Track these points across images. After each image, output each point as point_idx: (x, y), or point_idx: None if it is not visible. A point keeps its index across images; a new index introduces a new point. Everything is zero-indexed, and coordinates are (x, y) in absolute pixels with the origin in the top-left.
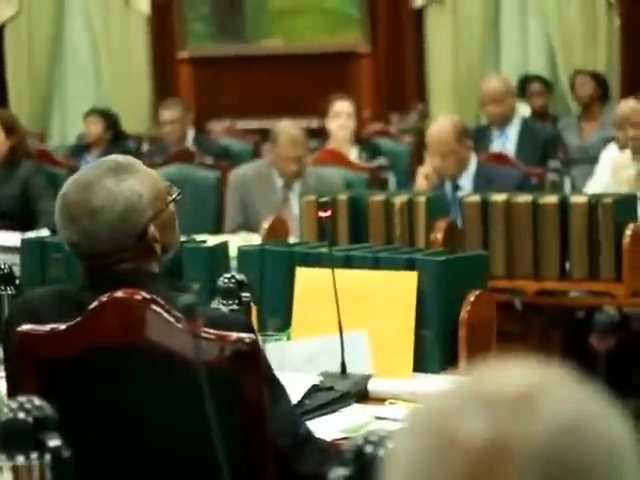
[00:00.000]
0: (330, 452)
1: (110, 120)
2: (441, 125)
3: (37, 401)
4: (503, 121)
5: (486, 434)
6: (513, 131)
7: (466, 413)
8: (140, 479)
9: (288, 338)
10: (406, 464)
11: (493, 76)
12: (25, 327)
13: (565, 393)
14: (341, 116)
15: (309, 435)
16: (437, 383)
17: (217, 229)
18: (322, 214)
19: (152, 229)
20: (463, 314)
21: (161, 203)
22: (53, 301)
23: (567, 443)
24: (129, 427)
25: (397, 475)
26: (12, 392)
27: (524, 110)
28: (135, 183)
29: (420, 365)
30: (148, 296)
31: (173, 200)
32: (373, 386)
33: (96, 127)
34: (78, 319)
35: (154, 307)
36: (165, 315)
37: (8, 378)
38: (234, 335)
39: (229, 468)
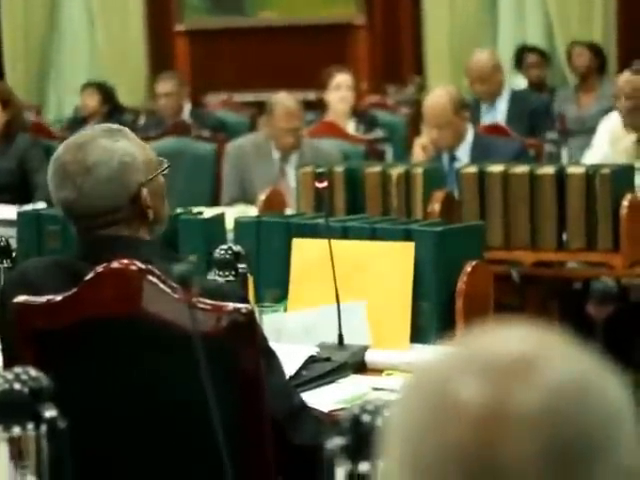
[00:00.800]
0: (325, 422)
1: (107, 93)
2: (438, 97)
3: (33, 372)
4: (490, 97)
5: (484, 399)
6: (502, 104)
7: (464, 378)
8: (136, 449)
9: (285, 309)
10: (403, 428)
11: (480, 52)
12: (21, 298)
13: (563, 358)
14: (341, 88)
15: (303, 406)
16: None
17: (214, 202)
18: (319, 185)
19: (145, 192)
20: (460, 285)
21: (153, 170)
22: (49, 271)
23: (565, 408)
24: (125, 398)
25: (394, 439)
26: (8, 364)
27: (520, 82)
28: (129, 145)
29: (417, 336)
30: (144, 266)
31: (163, 171)
32: (370, 357)
33: (93, 100)
34: (74, 290)
35: (150, 277)
36: (161, 285)
37: (3, 350)
38: (230, 305)
39: (226, 438)
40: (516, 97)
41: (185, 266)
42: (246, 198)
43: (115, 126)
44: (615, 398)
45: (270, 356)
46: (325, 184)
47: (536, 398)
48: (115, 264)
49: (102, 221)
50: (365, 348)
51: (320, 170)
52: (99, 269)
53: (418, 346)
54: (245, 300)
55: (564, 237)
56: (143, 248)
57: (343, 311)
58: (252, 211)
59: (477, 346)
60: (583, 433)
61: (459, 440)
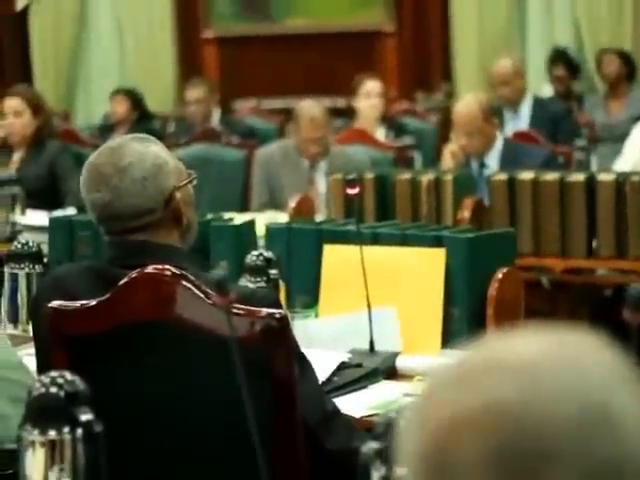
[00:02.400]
0: (357, 428)
1: (136, 100)
2: (467, 103)
3: (69, 376)
4: (512, 102)
5: (511, 399)
6: (525, 110)
7: (487, 379)
8: (170, 454)
9: (316, 315)
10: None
11: (503, 58)
12: (54, 303)
13: (567, 363)
14: (371, 96)
15: (336, 411)
16: None
17: (243, 208)
18: (350, 191)
19: (178, 196)
20: (491, 291)
21: (183, 177)
22: (83, 277)
23: (567, 412)
24: (158, 402)
25: (414, 434)
26: (42, 369)
27: (547, 90)
28: (160, 150)
29: (448, 342)
30: (178, 272)
31: (192, 180)
32: (401, 363)
33: (122, 107)
34: (108, 295)
35: (184, 283)
36: (195, 291)
37: (37, 355)
38: (264, 311)
39: (259, 441)
40: (538, 104)
41: (221, 271)
42: (275, 204)
43: (144, 135)
44: (600, 403)
45: (302, 362)
46: (356, 190)
47: (530, 401)
48: (149, 269)
49: (136, 224)
50: (396, 354)
51: (351, 176)
52: (133, 274)
53: (449, 352)
54: (279, 305)
55: (594, 244)
56: (176, 255)
57: (374, 317)
58: (282, 217)
59: (501, 349)
60: (542, 437)
61: (423, 442)
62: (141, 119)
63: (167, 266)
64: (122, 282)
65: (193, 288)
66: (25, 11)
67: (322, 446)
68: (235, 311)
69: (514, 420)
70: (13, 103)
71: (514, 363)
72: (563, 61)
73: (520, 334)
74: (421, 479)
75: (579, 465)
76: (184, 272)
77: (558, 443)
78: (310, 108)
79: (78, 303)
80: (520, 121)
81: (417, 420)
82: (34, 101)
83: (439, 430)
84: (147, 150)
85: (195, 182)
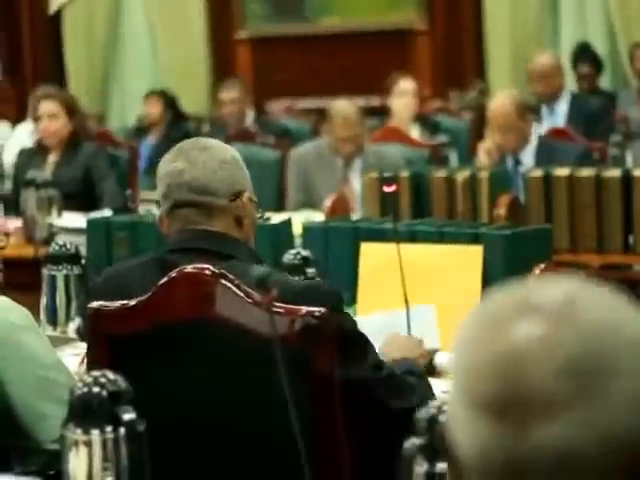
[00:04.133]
0: (414, 385)
1: (169, 101)
2: (502, 101)
3: (111, 375)
4: (549, 98)
5: (529, 331)
6: (562, 107)
7: (515, 316)
8: (211, 453)
9: (354, 313)
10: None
11: (542, 53)
12: (94, 304)
13: (599, 300)
14: (406, 94)
15: (393, 373)
16: None
17: (279, 207)
18: (387, 189)
19: (246, 197)
20: None
21: (252, 196)
22: (144, 270)
23: (597, 339)
24: (199, 401)
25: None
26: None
27: (572, 85)
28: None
29: None
30: (217, 270)
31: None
32: (440, 360)
33: (156, 108)
34: (148, 294)
35: (224, 282)
36: (235, 290)
37: (88, 354)
38: (304, 309)
39: (303, 441)
40: (576, 100)
41: (264, 269)
42: (310, 203)
43: None
44: (638, 331)
45: (361, 342)
46: (393, 188)
47: (574, 336)
48: (189, 268)
49: (199, 199)
50: (435, 351)
51: (387, 174)
52: (173, 274)
53: None
54: (341, 301)
55: (630, 240)
56: (233, 246)
57: (412, 314)
58: (318, 216)
59: (528, 291)
60: (605, 355)
61: (501, 355)
62: (175, 120)
63: (207, 265)
64: (162, 281)
65: (233, 287)
66: (59, 13)
67: (387, 407)
68: (275, 310)
69: (577, 339)
70: (48, 106)
71: (557, 300)
72: (587, 58)
73: (548, 280)
74: (490, 381)
75: (637, 379)
76: (224, 271)
77: (623, 360)
78: (343, 107)
79: (118, 303)
80: (557, 117)
81: (487, 342)
82: (69, 103)
83: (513, 351)
84: (232, 149)
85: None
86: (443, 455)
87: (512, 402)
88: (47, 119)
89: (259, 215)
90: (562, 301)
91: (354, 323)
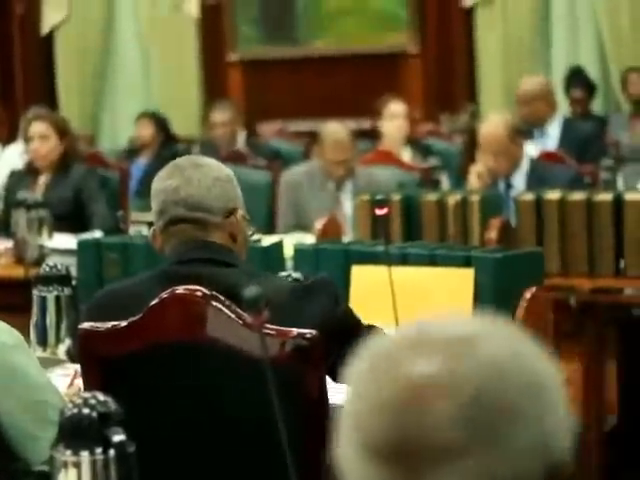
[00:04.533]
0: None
1: (161, 123)
2: (493, 124)
3: (101, 396)
4: (536, 122)
5: (425, 369)
6: (554, 130)
7: (411, 353)
8: (203, 473)
9: None
10: (351, 394)
11: (528, 78)
12: (85, 325)
13: (500, 338)
14: (396, 117)
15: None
16: None
17: (269, 230)
18: (379, 212)
19: (239, 215)
20: (519, 311)
21: (245, 215)
22: (154, 283)
23: (496, 381)
24: (190, 422)
25: (349, 392)
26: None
27: (565, 109)
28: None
29: None
30: (209, 292)
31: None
32: None
33: (147, 130)
34: (139, 316)
35: (215, 303)
36: (226, 311)
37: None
38: (295, 331)
39: (292, 462)
40: (567, 123)
41: (255, 290)
42: (301, 226)
43: None
44: (539, 371)
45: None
46: (385, 211)
47: (472, 372)
48: (180, 290)
49: (194, 215)
50: None
51: (379, 197)
52: (163, 295)
53: None
54: (337, 293)
55: (622, 264)
56: (231, 254)
57: None
58: (309, 239)
59: (424, 327)
60: (504, 397)
61: (394, 396)
62: (166, 142)
63: (198, 287)
64: (152, 303)
65: (224, 308)
66: (51, 34)
67: None
68: (266, 331)
69: (475, 379)
70: (39, 127)
71: (463, 336)
72: (580, 82)
73: (454, 316)
74: (389, 426)
75: (537, 424)
76: (214, 293)
77: (520, 405)
78: (334, 130)
79: (109, 324)
80: (549, 140)
81: (381, 380)
82: (60, 125)
83: (407, 391)
84: (225, 167)
85: (252, 232)
86: None
87: (405, 448)
88: (38, 140)
89: (251, 233)
90: (461, 338)
91: (353, 314)
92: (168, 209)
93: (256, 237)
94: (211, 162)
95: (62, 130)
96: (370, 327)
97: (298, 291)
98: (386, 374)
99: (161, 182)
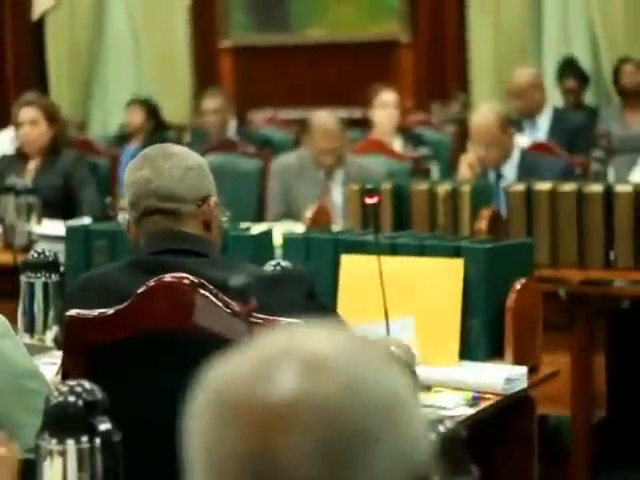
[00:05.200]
0: None
1: (151, 110)
2: (485, 114)
3: (87, 385)
4: (528, 114)
5: (274, 396)
6: (544, 121)
7: (255, 374)
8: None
9: None
10: (196, 434)
11: (520, 69)
12: (72, 312)
13: (351, 359)
14: (388, 106)
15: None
16: (483, 371)
17: (259, 218)
18: (369, 200)
19: (212, 202)
20: (509, 302)
21: (217, 201)
22: (125, 272)
23: (350, 402)
24: (176, 412)
25: (191, 445)
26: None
27: (557, 100)
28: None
29: (466, 353)
30: (196, 280)
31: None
32: (419, 373)
33: (137, 117)
34: (126, 304)
35: (202, 291)
36: (213, 299)
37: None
38: (282, 320)
39: None
40: (557, 115)
41: (242, 279)
42: (291, 214)
43: None
44: (392, 390)
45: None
46: (375, 200)
47: (323, 394)
48: (167, 277)
49: (168, 206)
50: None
51: (369, 186)
52: (151, 283)
53: (467, 363)
54: (312, 284)
55: (611, 255)
56: (210, 248)
57: (392, 327)
58: (298, 227)
59: (271, 345)
60: (356, 423)
61: (241, 441)
62: (157, 129)
63: (185, 274)
64: (139, 291)
65: (211, 296)
66: (42, 20)
67: None
68: (254, 320)
69: (331, 408)
70: (29, 112)
71: (311, 356)
72: (573, 72)
73: (309, 329)
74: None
75: (395, 445)
76: (202, 280)
77: (375, 429)
78: (324, 119)
79: (96, 311)
80: (539, 132)
81: (227, 417)
82: (50, 110)
83: (256, 429)
84: (195, 154)
85: (227, 218)
86: None
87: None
88: (27, 126)
89: (225, 218)
90: (310, 361)
91: (327, 311)
92: (140, 201)
93: (245, 225)
94: (182, 150)
95: (52, 116)
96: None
97: (265, 281)
98: (235, 408)
99: (132, 173)
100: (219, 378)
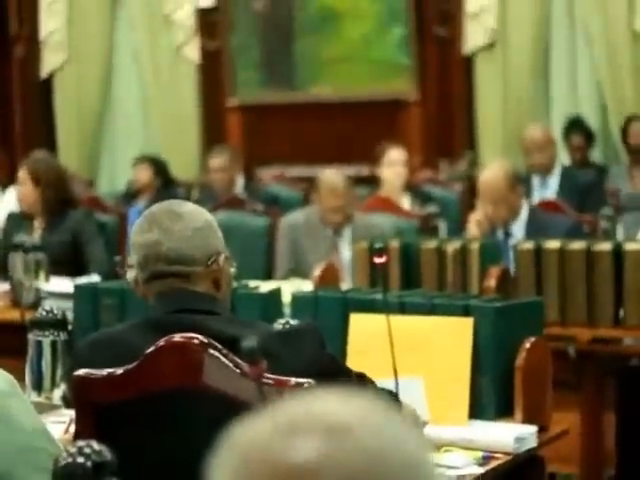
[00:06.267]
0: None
1: (159, 167)
2: (493, 172)
3: (96, 445)
4: (545, 170)
5: (298, 458)
6: (554, 180)
7: (277, 437)
8: None
9: None
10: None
11: (535, 125)
12: (80, 372)
13: (374, 425)
14: (396, 164)
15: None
16: (492, 430)
17: (267, 276)
18: (377, 260)
19: (222, 259)
20: (519, 361)
21: (227, 255)
22: (140, 331)
23: (371, 469)
24: (186, 471)
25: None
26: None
27: (564, 158)
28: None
29: (475, 412)
30: (206, 340)
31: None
32: (428, 433)
33: (145, 174)
34: (135, 363)
35: (212, 351)
36: (223, 359)
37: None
38: (292, 380)
39: None
40: (566, 173)
41: (253, 340)
42: (299, 272)
43: None
44: (413, 456)
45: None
46: (384, 259)
47: (348, 461)
48: (177, 337)
49: (177, 269)
50: (423, 424)
51: (378, 245)
52: (160, 343)
53: (476, 422)
54: (323, 343)
55: (621, 313)
56: (219, 304)
57: (401, 387)
58: (307, 285)
59: (296, 410)
60: None
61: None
62: (165, 186)
63: (195, 334)
64: (149, 350)
65: (221, 356)
66: (50, 78)
67: None
68: (264, 380)
69: (354, 475)
70: (20, 173)
71: (334, 421)
72: (579, 130)
73: (326, 398)
74: None
75: None
76: (211, 340)
77: None
78: (331, 177)
79: (105, 371)
80: (548, 190)
81: (250, 477)
82: (35, 173)
83: (293, 473)
84: (203, 211)
85: (235, 270)
86: None
87: None
88: (20, 185)
89: (233, 270)
90: (334, 425)
91: (338, 361)
92: (149, 264)
93: (254, 284)
94: (189, 210)
95: (36, 178)
96: (360, 375)
97: (280, 335)
98: (258, 468)
99: (140, 235)
100: (242, 439)
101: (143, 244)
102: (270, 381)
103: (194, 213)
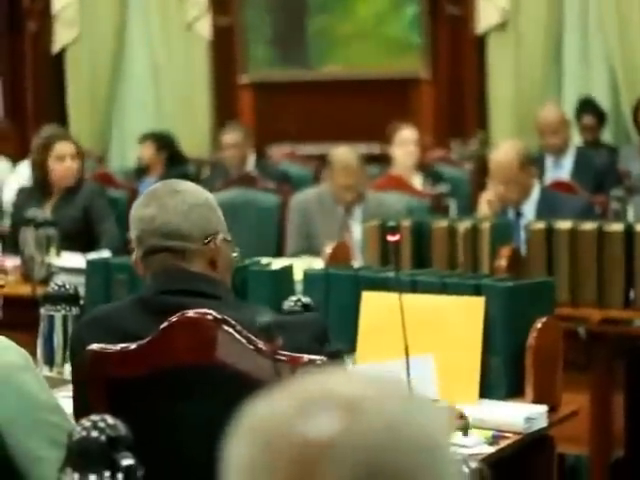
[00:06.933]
0: None
1: (163, 142)
2: (505, 152)
3: (110, 420)
4: (559, 151)
5: (319, 434)
6: (568, 160)
7: (295, 414)
8: None
9: (353, 362)
10: (237, 470)
11: (550, 106)
12: (94, 346)
13: (390, 400)
14: (407, 143)
15: None
16: (503, 409)
17: (278, 253)
18: (391, 238)
19: (220, 239)
20: (530, 340)
21: (227, 237)
22: (131, 311)
23: (389, 443)
24: (198, 447)
25: (229, 469)
26: (79, 413)
27: (576, 139)
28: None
29: (486, 391)
30: (219, 316)
31: (234, 250)
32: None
33: (148, 150)
34: (148, 338)
35: (225, 327)
36: (236, 335)
37: (75, 399)
38: (306, 357)
39: None
40: (581, 154)
41: (268, 317)
42: (310, 250)
43: None
44: (429, 431)
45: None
46: (397, 237)
47: (362, 434)
48: (190, 313)
49: (172, 244)
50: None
51: (391, 224)
52: (174, 318)
53: (487, 401)
54: (327, 334)
55: (631, 295)
56: (221, 289)
57: (412, 364)
58: (317, 263)
59: (310, 387)
60: (395, 463)
61: (283, 465)
62: (173, 161)
63: (208, 310)
64: (163, 326)
65: (234, 333)
66: (62, 53)
67: None
68: (277, 357)
69: (372, 448)
70: (70, 147)
71: (350, 397)
72: (591, 110)
73: (341, 376)
74: None
75: None
76: (225, 317)
77: (412, 469)
78: (344, 155)
79: (118, 346)
80: (562, 170)
81: (266, 453)
82: (78, 145)
83: (296, 466)
84: (204, 191)
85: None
86: None
87: None
88: (69, 160)
89: (235, 254)
90: (350, 401)
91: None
92: (145, 238)
93: (265, 261)
94: (189, 187)
95: (79, 151)
96: None
97: (275, 325)
98: (279, 446)
99: (138, 210)
100: (259, 415)
101: (140, 219)
102: (283, 358)
103: (193, 191)
